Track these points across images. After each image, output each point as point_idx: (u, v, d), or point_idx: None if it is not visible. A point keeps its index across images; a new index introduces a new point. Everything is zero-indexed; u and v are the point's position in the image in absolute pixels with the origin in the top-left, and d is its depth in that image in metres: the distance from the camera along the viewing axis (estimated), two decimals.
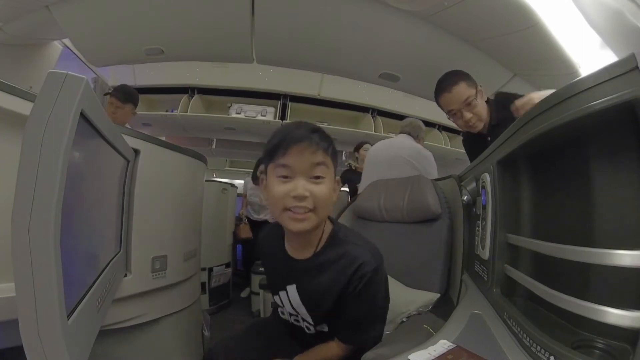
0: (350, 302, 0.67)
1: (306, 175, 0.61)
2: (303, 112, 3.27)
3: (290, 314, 0.77)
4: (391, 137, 2.05)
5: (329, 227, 0.71)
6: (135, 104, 1.95)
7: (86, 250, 0.59)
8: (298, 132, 0.61)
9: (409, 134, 1.93)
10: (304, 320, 0.75)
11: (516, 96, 1.00)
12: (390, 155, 1.77)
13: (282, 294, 0.74)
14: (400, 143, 1.85)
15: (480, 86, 1.19)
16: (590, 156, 0.45)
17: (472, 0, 1.41)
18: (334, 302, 0.68)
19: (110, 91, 1.94)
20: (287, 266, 0.72)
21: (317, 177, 0.61)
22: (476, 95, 1.15)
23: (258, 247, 0.84)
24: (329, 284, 0.67)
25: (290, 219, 0.61)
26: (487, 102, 1.22)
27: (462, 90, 1.16)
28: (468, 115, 1.17)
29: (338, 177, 0.68)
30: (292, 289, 0.72)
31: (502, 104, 1.20)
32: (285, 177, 0.61)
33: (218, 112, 3.26)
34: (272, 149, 0.62)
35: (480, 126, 1.19)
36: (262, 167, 0.67)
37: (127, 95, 1.88)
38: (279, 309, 0.82)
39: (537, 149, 0.56)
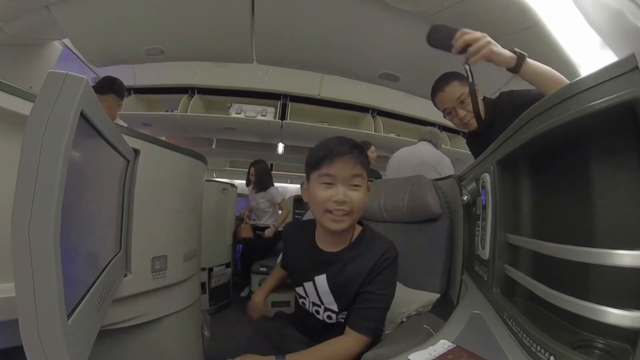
0: (370, 282, 0.74)
1: (346, 183, 0.71)
2: (303, 112, 3.27)
3: (314, 304, 0.82)
4: (414, 144, 2.23)
5: (359, 228, 0.82)
6: (119, 94, 1.78)
7: (86, 250, 0.59)
8: (342, 147, 0.71)
9: (429, 141, 2.08)
10: (326, 310, 0.80)
11: (452, 29, 1.00)
12: (417, 161, 1.91)
13: (308, 284, 0.80)
14: (424, 150, 2.00)
15: (477, 84, 1.19)
16: (590, 156, 0.45)
17: (472, 0, 1.41)
18: (360, 285, 0.75)
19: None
20: (317, 258, 0.79)
21: (355, 186, 0.72)
22: (469, 93, 1.16)
23: (285, 241, 0.92)
24: (358, 271, 0.75)
25: (330, 220, 0.72)
26: (483, 100, 1.22)
27: (454, 89, 1.18)
28: (462, 112, 1.19)
29: (369, 183, 0.78)
30: (321, 278, 0.78)
31: (494, 102, 1.21)
32: (329, 184, 0.72)
33: (218, 112, 3.26)
34: (319, 160, 0.72)
35: (475, 123, 1.20)
36: (303, 179, 0.80)
37: (103, 86, 1.69)
38: (300, 300, 0.86)
39: (537, 149, 0.56)
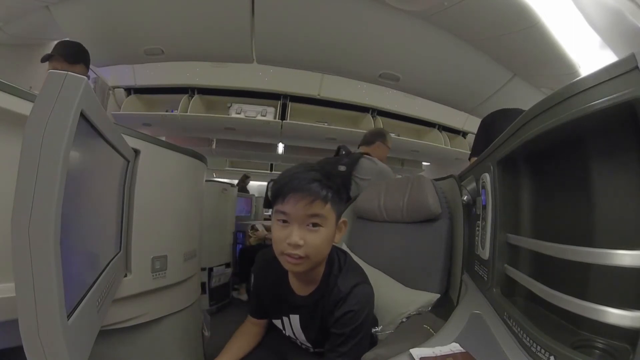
0: (336, 323, 0.70)
1: (302, 223, 0.62)
2: (303, 112, 3.26)
3: (290, 337, 0.81)
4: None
5: (323, 267, 0.73)
6: (87, 65, 1.49)
7: (86, 250, 0.59)
8: (297, 181, 0.61)
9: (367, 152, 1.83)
10: (302, 344, 0.80)
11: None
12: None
13: (285, 319, 0.78)
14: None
15: None
16: (590, 156, 0.45)
17: (472, 0, 1.41)
18: (330, 326, 0.71)
19: (50, 53, 1.40)
20: (289, 299, 0.75)
21: (314, 225, 0.62)
22: None
23: (256, 277, 0.84)
24: (326, 313, 0.71)
25: (287, 262, 0.64)
26: None
27: None
28: None
29: (344, 219, 0.69)
30: (295, 318, 0.75)
31: None
32: (285, 222, 0.62)
33: (218, 112, 3.25)
34: (274, 194, 0.63)
35: None
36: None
37: (72, 54, 1.41)
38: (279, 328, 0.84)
39: (537, 149, 0.56)
